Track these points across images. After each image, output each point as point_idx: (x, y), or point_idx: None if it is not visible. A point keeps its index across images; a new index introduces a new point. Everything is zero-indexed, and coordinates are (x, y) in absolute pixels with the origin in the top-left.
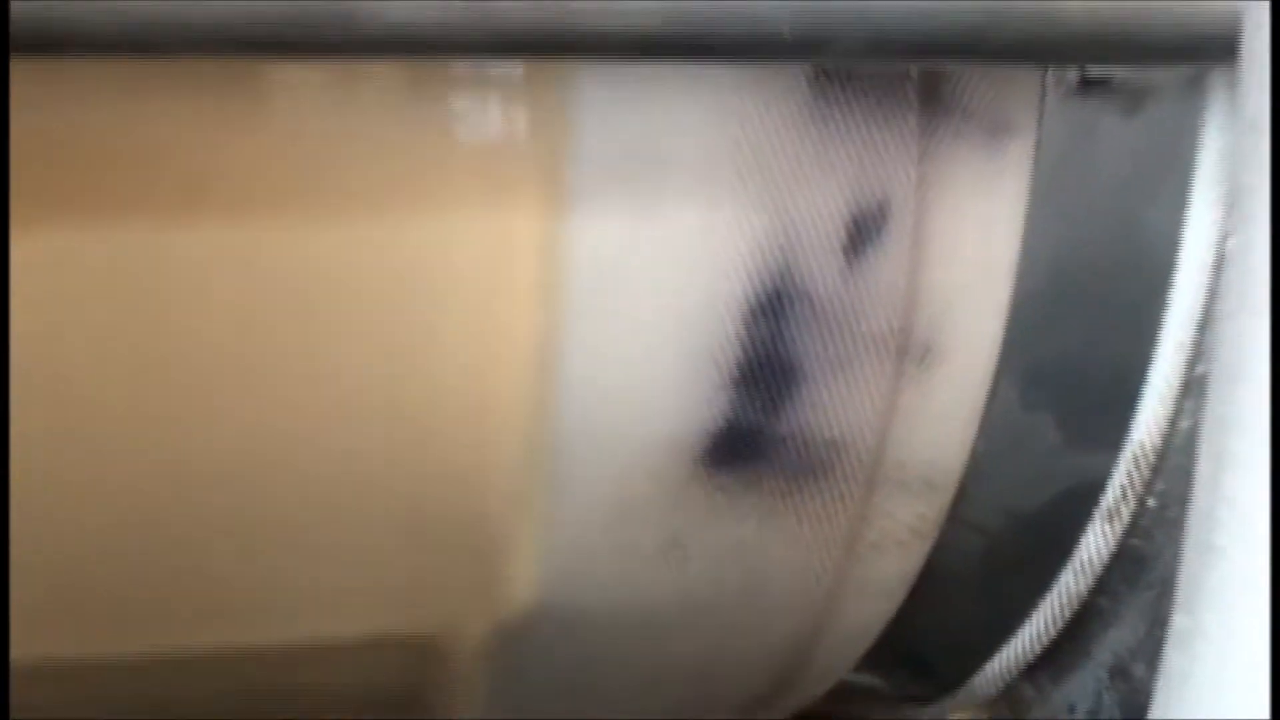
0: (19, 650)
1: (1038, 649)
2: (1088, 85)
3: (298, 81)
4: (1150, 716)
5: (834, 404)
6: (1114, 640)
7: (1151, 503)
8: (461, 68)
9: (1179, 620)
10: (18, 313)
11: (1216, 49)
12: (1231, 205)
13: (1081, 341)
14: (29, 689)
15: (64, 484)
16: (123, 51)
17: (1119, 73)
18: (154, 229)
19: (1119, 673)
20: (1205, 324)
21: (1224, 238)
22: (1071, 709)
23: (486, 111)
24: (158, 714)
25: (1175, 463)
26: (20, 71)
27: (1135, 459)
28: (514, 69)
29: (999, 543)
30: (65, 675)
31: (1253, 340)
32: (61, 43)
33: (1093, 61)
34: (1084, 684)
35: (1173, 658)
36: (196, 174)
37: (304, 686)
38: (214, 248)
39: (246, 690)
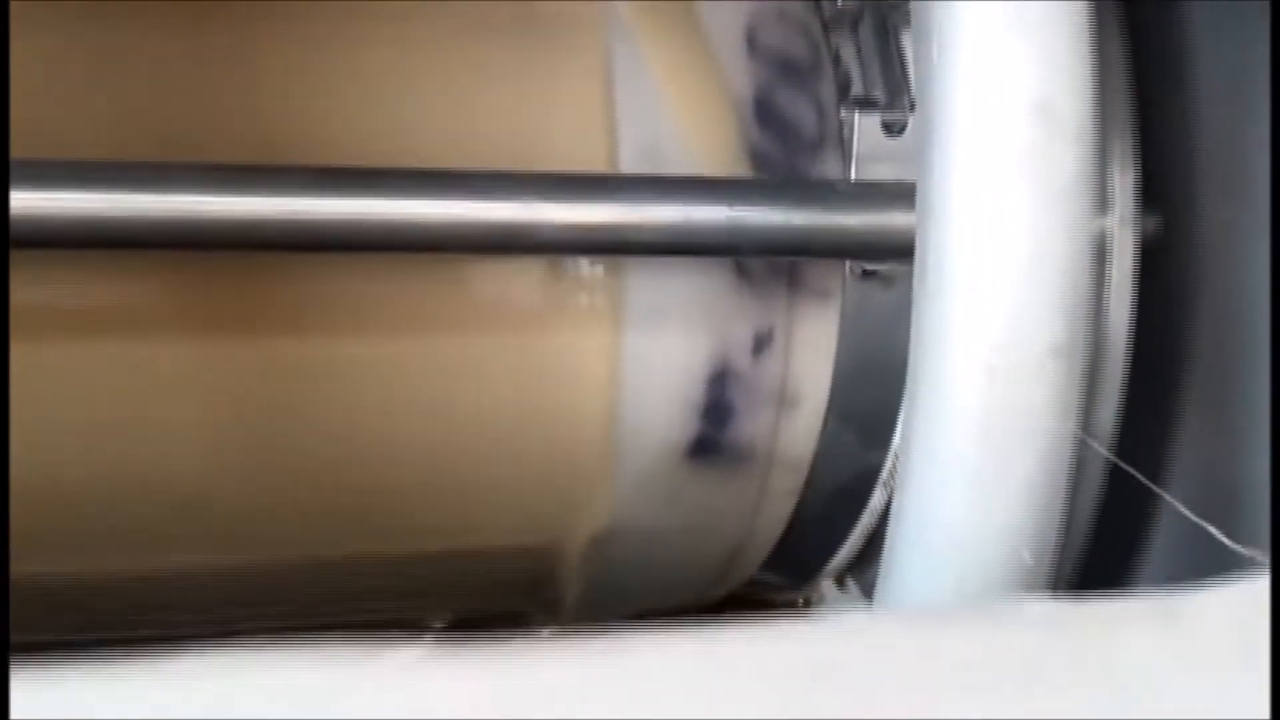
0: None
1: (852, 556)
2: (865, 273)
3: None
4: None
5: (749, 427)
6: None
7: None
8: None
9: (898, 496)
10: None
11: None
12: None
13: (867, 395)
14: (249, 582)
15: (301, 450)
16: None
17: (882, 268)
18: (359, 347)
19: None
20: None
21: None
22: (871, 587)
23: (581, 271)
24: (352, 604)
25: None
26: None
27: (897, 453)
28: None
29: (830, 499)
30: (280, 572)
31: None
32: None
33: (865, 260)
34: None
35: (896, 518)
36: (387, 312)
37: (463, 580)
38: (406, 356)
39: (424, 581)
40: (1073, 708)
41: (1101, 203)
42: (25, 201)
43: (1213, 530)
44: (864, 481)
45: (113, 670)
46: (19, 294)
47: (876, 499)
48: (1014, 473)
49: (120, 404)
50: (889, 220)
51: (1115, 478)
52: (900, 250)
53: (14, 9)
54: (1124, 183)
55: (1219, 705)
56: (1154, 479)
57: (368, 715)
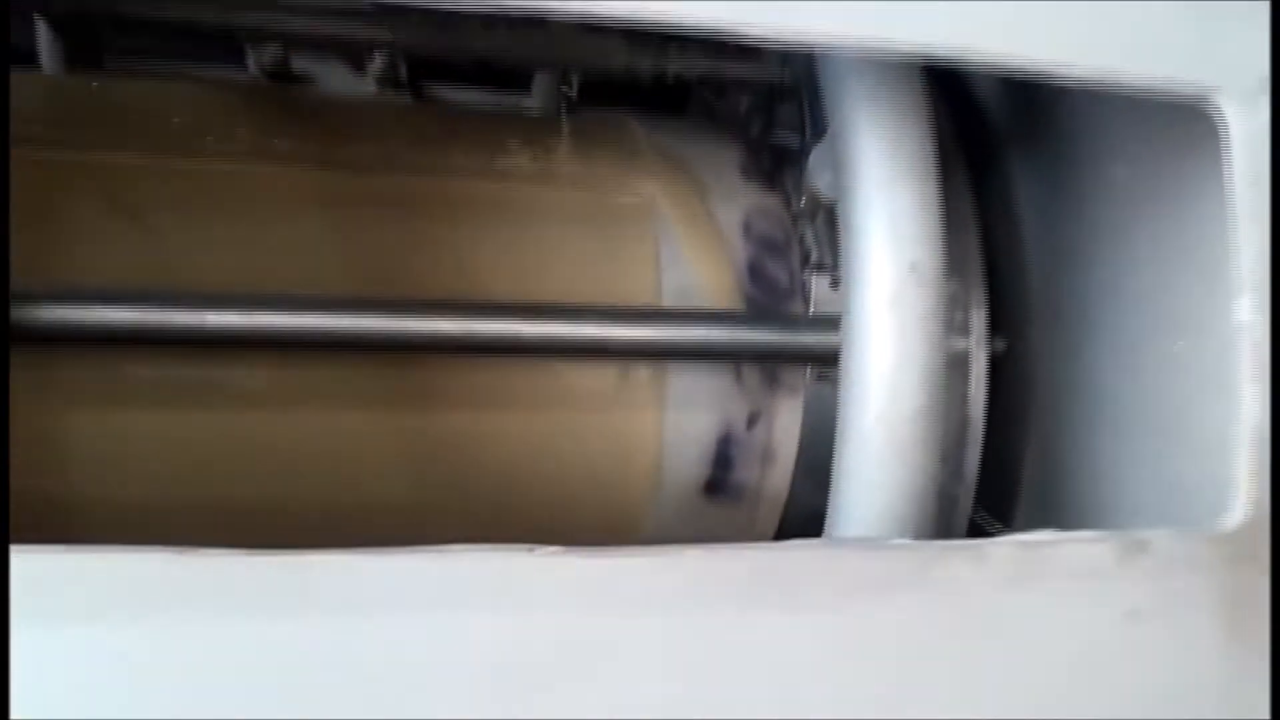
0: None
1: None
2: (819, 376)
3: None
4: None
5: (744, 474)
6: None
7: None
8: None
9: (831, 499)
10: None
11: None
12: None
13: (820, 456)
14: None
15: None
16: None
17: (829, 372)
18: (493, 416)
19: None
20: None
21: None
22: None
23: (637, 370)
24: None
25: None
26: None
27: None
28: None
29: (797, 524)
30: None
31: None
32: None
33: (818, 366)
34: None
35: (830, 509)
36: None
37: None
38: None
39: None
40: (914, 600)
41: (964, 330)
42: (292, 321)
43: (995, 523)
44: (819, 513)
45: (330, 558)
46: (283, 382)
47: (827, 525)
48: (896, 484)
49: (343, 450)
50: (833, 340)
51: (980, 495)
52: (838, 359)
53: (284, 190)
54: (978, 317)
55: (1003, 606)
56: (1007, 495)
57: (527, 585)
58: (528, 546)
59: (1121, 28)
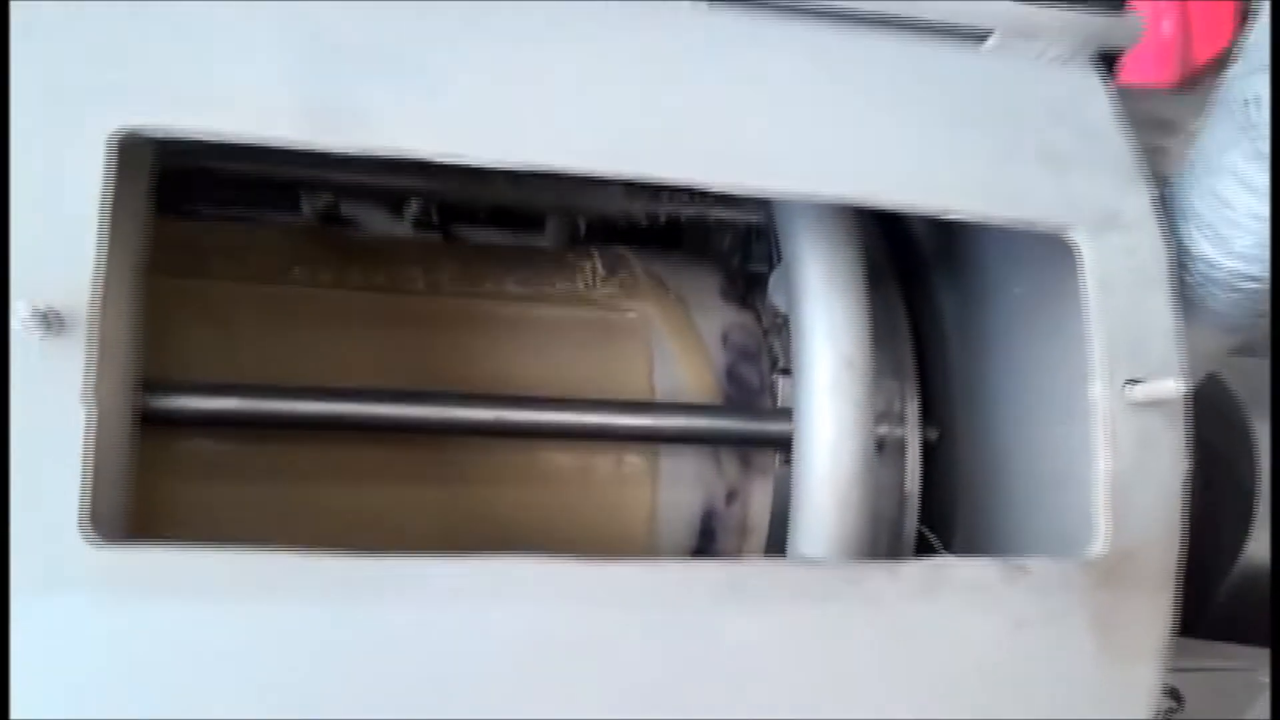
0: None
1: None
2: (785, 461)
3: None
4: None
5: (725, 544)
6: None
7: None
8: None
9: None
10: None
11: None
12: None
13: (786, 526)
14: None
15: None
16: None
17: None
18: (493, 496)
19: None
20: None
21: None
22: None
23: (633, 453)
24: None
25: None
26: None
27: None
28: None
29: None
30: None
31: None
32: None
33: (782, 451)
34: None
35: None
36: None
37: None
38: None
39: None
40: (843, 604)
41: (901, 420)
42: (341, 409)
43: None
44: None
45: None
46: (343, 461)
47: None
48: (839, 535)
49: (380, 515)
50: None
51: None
52: None
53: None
54: (911, 408)
55: (913, 612)
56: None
57: (543, 583)
58: (546, 555)
59: (996, 179)
